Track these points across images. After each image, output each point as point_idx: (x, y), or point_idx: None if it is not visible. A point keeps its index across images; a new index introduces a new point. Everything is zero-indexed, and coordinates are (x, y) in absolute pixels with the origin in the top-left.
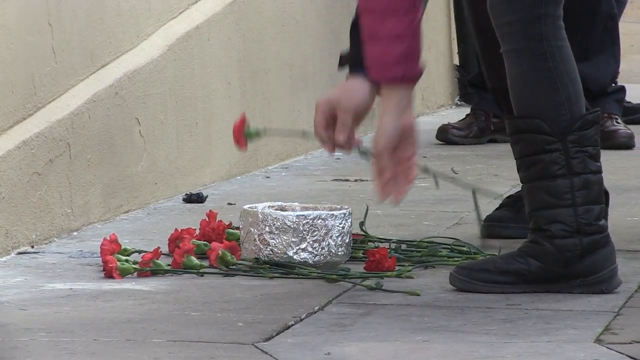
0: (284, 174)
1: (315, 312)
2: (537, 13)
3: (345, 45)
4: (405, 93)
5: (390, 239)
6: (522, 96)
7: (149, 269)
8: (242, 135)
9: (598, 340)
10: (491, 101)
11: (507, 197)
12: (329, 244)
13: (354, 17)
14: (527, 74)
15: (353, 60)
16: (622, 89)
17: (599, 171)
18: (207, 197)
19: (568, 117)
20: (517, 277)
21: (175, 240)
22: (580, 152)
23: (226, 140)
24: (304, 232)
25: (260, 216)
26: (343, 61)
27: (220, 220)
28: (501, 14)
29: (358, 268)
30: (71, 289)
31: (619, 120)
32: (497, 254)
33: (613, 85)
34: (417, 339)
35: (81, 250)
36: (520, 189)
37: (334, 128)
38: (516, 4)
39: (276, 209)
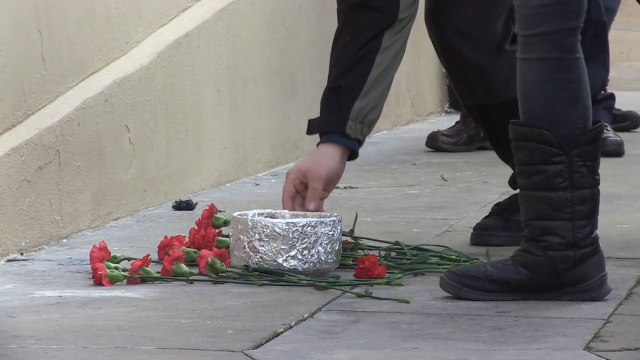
0: (273, 181)
1: (305, 320)
2: (572, 25)
3: None
4: None
5: (380, 247)
6: (535, 105)
7: (138, 277)
8: (210, 224)
9: (588, 348)
10: None
11: (496, 205)
12: (318, 252)
13: (328, 85)
14: (548, 84)
15: (324, 127)
16: (612, 97)
17: (598, 184)
18: (196, 204)
19: (581, 130)
20: (507, 286)
21: (164, 248)
22: (583, 166)
23: (216, 147)
24: (294, 240)
25: (250, 223)
26: (312, 127)
27: (210, 228)
28: (534, 25)
29: (348, 275)
30: (60, 296)
31: (609, 128)
32: (486, 261)
33: (603, 92)
34: (406, 347)
35: (70, 258)
36: (508, 196)
37: (301, 198)
38: (553, 15)
39: (266, 216)
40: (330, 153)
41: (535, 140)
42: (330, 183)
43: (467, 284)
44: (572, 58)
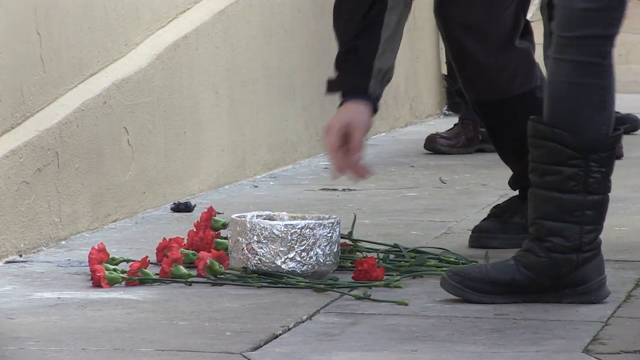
0: (272, 183)
1: (303, 322)
2: (612, 32)
3: (333, 51)
4: None
5: (378, 249)
6: (563, 106)
7: (137, 278)
8: (209, 226)
9: (586, 351)
10: None
11: (494, 207)
12: (317, 253)
13: (343, 47)
14: (579, 87)
15: (348, 87)
16: None
17: (609, 191)
18: (195, 206)
19: (604, 137)
20: (509, 288)
21: (163, 250)
22: (598, 172)
23: (214, 149)
24: (292, 242)
25: (249, 225)
26: (334, 86)
27: (208, 230)
28: (574, 27)
29: (346, 277)
30: (59, 298)
31: None
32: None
33: None
34: (405, 349)
35: (69, 259)
36: (507, 199)
37: (343, 150)
38: (596, 20)
39: (264, 219)
40: (362, 109)
41: (554, 140)
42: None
43: (469, 285)
44: (605, 64)
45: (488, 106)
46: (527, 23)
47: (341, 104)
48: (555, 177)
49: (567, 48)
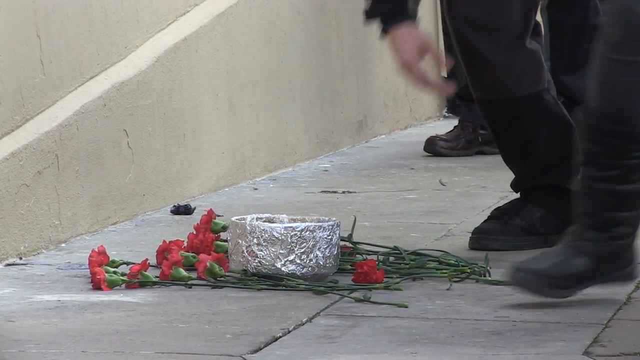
0: (271, 185)
1: (303, 324)
2: None
3: (333, 53)
4: None
5: (378, 251)
6: (618, 103)
7: (136, 281)
8: (208, 228)
9: (586, 353)
10: (479, 113)
11: (495, 209)
12: (316, 256)
13: None
14: (633, 85)
15: (388, 13)
16: None
17: None
18: (195, 208)
19: None
20: (575, 281)
21: (163, 252)
22: None
23: (214, 152)
24: (292, 244)
25: (248, 228)
26: (374, 13)
27: (208, 232)
28: (635, 30)
29: (346, 280)
30: (59, 300)
31: None
32: (485, 266)
33: None
34: (405, 351)
35: (69, 262)
36: (508, 201)
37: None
38: None
39: (264, 221)
40: (413, 29)
41: (619, 137)
42: None
43: (545, 282)
44: None
45: (495, 106)
46: (537, 24)
47: (384, 31)
48: (618, 171)
49: (626, 49)
